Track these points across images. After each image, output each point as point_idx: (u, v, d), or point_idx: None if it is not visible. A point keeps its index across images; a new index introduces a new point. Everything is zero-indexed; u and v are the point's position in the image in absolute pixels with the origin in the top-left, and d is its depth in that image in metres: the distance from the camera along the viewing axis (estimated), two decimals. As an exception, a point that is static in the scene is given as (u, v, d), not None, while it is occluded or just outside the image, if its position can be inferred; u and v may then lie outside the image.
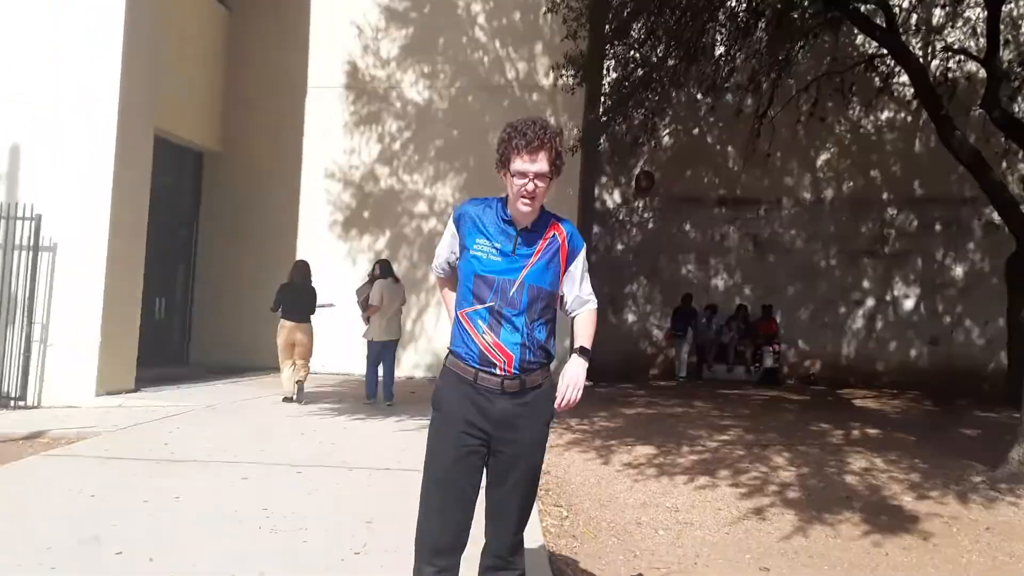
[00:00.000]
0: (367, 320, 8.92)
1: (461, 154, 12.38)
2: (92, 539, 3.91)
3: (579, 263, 2.63)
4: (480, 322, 2.49)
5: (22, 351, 8.58)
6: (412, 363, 12.26)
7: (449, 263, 2.71)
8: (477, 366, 2.49)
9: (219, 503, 4.66)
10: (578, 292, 2.65)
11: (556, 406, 2.56)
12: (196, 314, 12.90)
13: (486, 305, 2.48)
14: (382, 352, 8.89)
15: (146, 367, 9.90)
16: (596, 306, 2.71)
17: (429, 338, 12.24)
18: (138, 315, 9.58)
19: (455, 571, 2.52)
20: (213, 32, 12.46)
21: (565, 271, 2.60)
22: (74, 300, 8.69)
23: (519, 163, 2.45)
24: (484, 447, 2.50)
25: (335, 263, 12.13)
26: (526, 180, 2.44)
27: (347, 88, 12.71)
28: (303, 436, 6.89)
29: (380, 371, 8.96)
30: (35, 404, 8.56)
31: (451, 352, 2.58)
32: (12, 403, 8.48)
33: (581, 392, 2.54)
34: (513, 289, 2.48)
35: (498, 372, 2.47)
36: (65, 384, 8.62)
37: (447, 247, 2.67)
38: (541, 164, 2.45)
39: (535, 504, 3.80)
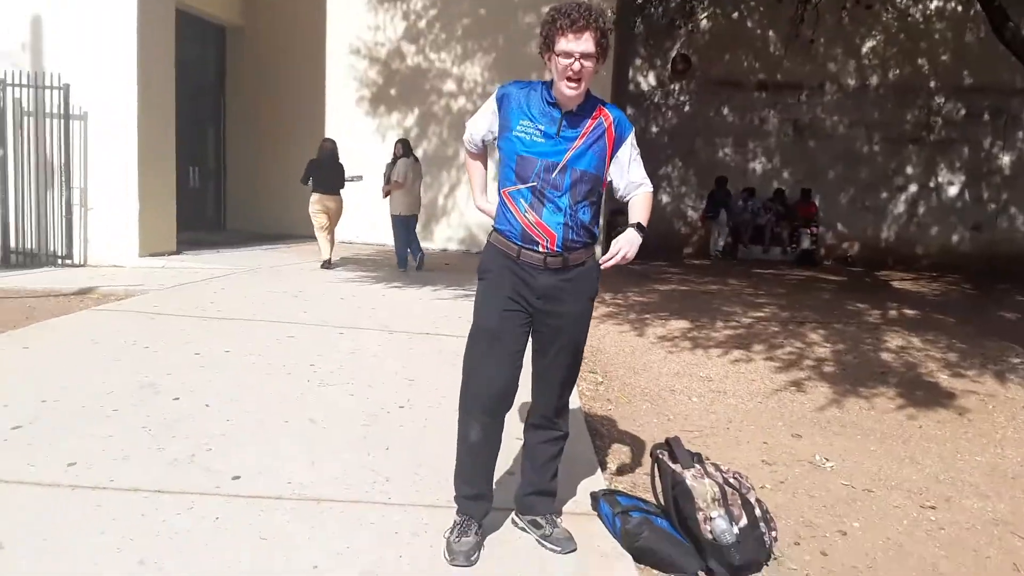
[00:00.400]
0: (386, 195, 9.21)
1: (489, 33, 11.95)
2: (150, 385, 4.09)
3: (627, 148, 2.58)
4: (522, 201, 2.48)
5: (63, 214, 8.80)
6: (446, 236, 12.35)
7: (484, 140, 2.69)
8: (520, 243, 2.50)
9: (268, 357, 4.82)
10: (629, 177, 2.60)
11: (602, 262, 2.53)
12: (230, 183, 13.13)
13: (528, 185, 2.46)
14: (408, 224, 9.29)
15: (185, 232, 10.15)
16: (651, 189, 2.67)
17: (461, 212, 12.24)
18: (173, 180, 9.70)
19: (500, 427, 2.60)
20: None
21: (612, 157, 2.56)
22: (109, 165, 8.84)
23: (564, 43, 2.38)
24: (528, 316, 2.54)
25: (364, 138, 12.08)
26: (572, 60, 2.37)
27: None
28: (343, 300, 7.03)
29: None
30: (82, 263, 8.87)
31: (495, 229, 2.59)
32: (59, 261, 8.79)
33: (632, 254, 2.51)
34: (556, 171, 2.45)
35: (540, 249, 2.48)
36: (109, 245, 8.90)
37: (485, 124, 2.64)
38: (587, 44, 2.38)
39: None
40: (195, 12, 11.38)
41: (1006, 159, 13.71)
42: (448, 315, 6.44)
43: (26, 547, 2.46)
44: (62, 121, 8.67)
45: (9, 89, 8.58)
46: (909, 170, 14.06)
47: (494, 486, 2.69)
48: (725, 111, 14.34)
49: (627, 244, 2.49)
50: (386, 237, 10.97)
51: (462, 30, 12.16)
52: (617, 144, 2.56)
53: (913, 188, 14.08)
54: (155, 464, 3.15)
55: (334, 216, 9.13)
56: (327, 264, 9.06)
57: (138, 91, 8.78)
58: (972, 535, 3.06)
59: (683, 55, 14.11)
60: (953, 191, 13.97)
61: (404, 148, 9.24)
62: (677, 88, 14.42)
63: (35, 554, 2.43)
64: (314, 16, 12.30)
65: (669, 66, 14.25)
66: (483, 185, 2.86)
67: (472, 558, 2.50)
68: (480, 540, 2.58)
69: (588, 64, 2.39)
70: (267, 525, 2.69)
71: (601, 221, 2.65)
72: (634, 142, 2.62)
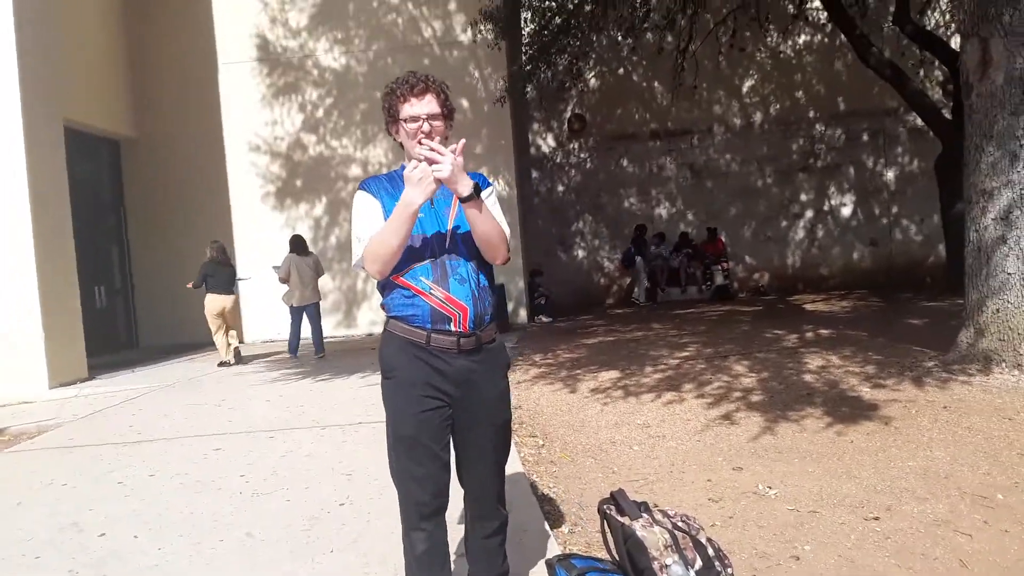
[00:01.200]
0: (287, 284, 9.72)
1: (389, 115, 12.15)
2: (72, 525, 3.85)
3: (485, 195, 2.38)
4: (423, 279, 2.34)
5: (-36, 350, 8.34)
6: (369, 320, 12.26)
7: None
8: (429, 327, 2.34)
9: (195, 475, 4.62)
10: None
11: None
12: (139, 298, 12.80)
13: (425, 261, 2.35)
14: (302, 314, 9.78)
15: (97, 355, 9.85)
16: (507, 231, 2.44)
17: (379, 296, 12.18)
18: (78, 305, 9.39)
19: (443, 528, 2.45)
20: (110, 19, 12.12)
21: None
22: (7, 296, 8.49)
23: (408, 108, 2.34)
24: (447, 407, 2.39)
25: (273, 232, 12.05)
26: (420, 123, 2.33)
27: (260, 61, 12.34)
28: (268, 402, 6.84)
29: (308, 331, 9.80)
30: (-13, 403, 8.34)
31: (392, 318, 2.42)
32: (-37, 404, 8.26)
33: (446, 172, 2.20)
34: (448, 240, 2.37)
35: (453, 329, 2.34)
36: (15, 380, 8.44)
37: (371, 217, 2.38)
38: (431, 105, 2.35)
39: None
40: (85, 129, 11.23)
41: (890, 175, 14.61)
42: (378, 401, 6.30)
43: None
44: (-47, 252, 8.30)
45: None
46: (803, 197, 14.83)
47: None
48: (624, 163, 14.93)
49: (457, 166, 2.24)
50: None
51: (360, 115, 12.32)
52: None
53: (809, 213, 14.84)
54: (84, 609, 2.95)
55: (229, 316, 9.60)
56: (225, 364, 9.40)
57: (31, 216, 8.51)
58: (917, 539, 3.14)
59: (577, 115, 14.70)
60: (847, 211, 14.76)
61: (291, 244, 9.85)
62: (576, 146, 14.97)
63: None
64: (209, 119, 12.25)
65: (565, 126, 14.81)
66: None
67: None
68: None
69: (437, 124, 2.35)
70: (212, 654, 2.54)
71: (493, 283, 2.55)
72: (495, 193, 2.50)
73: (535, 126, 14.91)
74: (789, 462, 4.21)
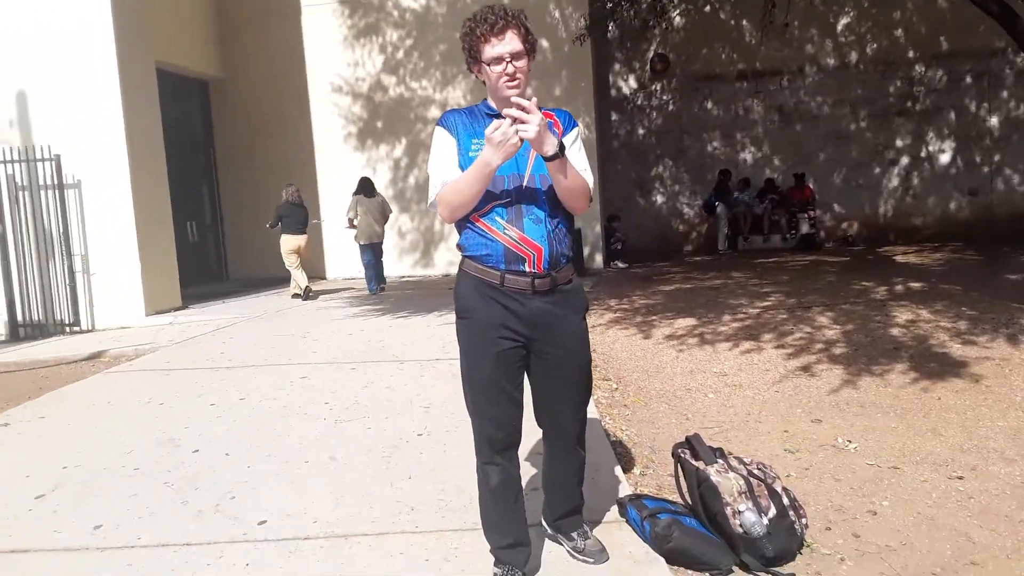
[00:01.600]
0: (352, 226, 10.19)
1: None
2: (169, 441, 4.11)
3: (570, 139, 2.41)
4: (498, 219, 2.32)
5: (67, 282, 8.87)
6: (447, 260, 12.40)
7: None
8: (503, 268, 2.33)
9: (282, 401, 4.84)
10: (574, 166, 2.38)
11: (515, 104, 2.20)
12: (228, 233, 13.19)
13: (501, 202, 2.32)
14: (366, 252, 10.19)
15: (189, 286, 10.29)
16: (591, 180, 2.43)
17: (458, 235, 12.28)
18: (172, 237, 9.82)
19: (516, 463, 2.49)
20: None
21: None
22: (107, 230, 8.94)
23: (490, 49, 2.27)
24: (521, 348, 2.39)
25: (356, 173, 12.15)
26: (504, 64, 2.27)
27: (341, 3, 12.39)
28: (351, 336, 7.05)
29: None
30: (89, 328, 8.93)
31: (467, 257, 2.42)
32: (67, 329, 8.84)
33: (532, 132, 2.15)
34: (525, 181, 2.33)
35: (527, 270, 2.32)
36: (115, 307, 8.95)
37: (449, 157, 2.37)
38: (513, 43, 2.27)
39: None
40: (176, 70, 11.53)
41: (994, 120, 13.71)
42: (455, 339, 6.43)
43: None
44: (56, 192, 8.78)
45: (2, 166, 8.70)
46: (899, 143, 14.06)
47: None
48: (709, 105, 14.38)
49: (543, 126, 2.19)
50: (384, 270, 11.17)
51: (440, 56, 12.29)
52: (563, 136, 2.38)
53: (905, 160, 14.08)
54: (181, 518, 3.16)
55: (304, 253, 10.18)
56: (297, 296, 9.95)
57: (128, 154, 8.89)
58: (1002, 501, 3.04)
59: (660, 55, 14.19)
60: (945, 159, 13.96)
61: (360, 185, 10.24)
62: (659, 88, 14.49)
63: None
64: (293, 59, 12.44)
65: (648, 67, 14.35)
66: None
67: None
68: None
69: (520, 64, 2.29)
70: (297, 566, 2.70)
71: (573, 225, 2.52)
72: (579, 137, 2.48)
73: (616, 67, 14.45)
74: (871, 417, 4.12)
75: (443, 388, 4.94)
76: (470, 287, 2.40)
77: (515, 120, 2.16)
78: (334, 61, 12.38)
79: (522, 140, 2.18)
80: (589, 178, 2.42)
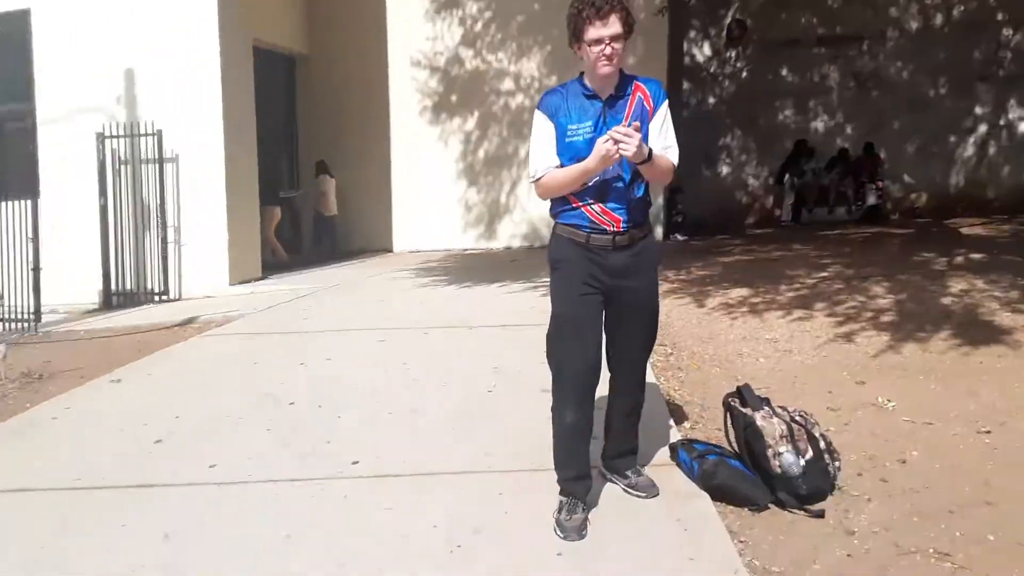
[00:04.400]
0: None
1: (544, 27, 12.16)
2: (266, 395, 4.62)
3: (661, 114, 2.74)
4: (587, 196, 2.70)
5: (160, 252, 9.54)
6: (509, 233, 12.74)
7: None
8: (588, 230, 2.72)
9: (364, 361, 5.32)
10: (662, 141, 2.74)
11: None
12: (303, 208, 13.68)
13: (591, 183, 2.68)
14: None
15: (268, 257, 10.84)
16: (676, 156, 2.77)
17: (523, 208, 12.61)
18: (257, 211, 10.35)
19: (592, 405, 2.85)
20: None
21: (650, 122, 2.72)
22: (200, 203, 9.49)
23: (593, 31, 2.56)
24: (603, 296, 2.77)
25: (429, 146, 12.68)
26: (603, 46, 2.56)
27: None
28: (422, 304, 7.52)
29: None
30: (177, 297, 9.55)
31: (559, 223, 2.81)
32: (157, 298, 9.50)
33: (632, 149, 2.51)
34: (612, 169, 2.66)
35: (609, 230, 2.71)
36: (201, 277, 9.54)
37: (548, 143, 2.73)
38: (614, 27, 2.56)
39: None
40: (267, 47, 11.88)
41: (1079, 88, 13.20)
42: (520, 308, 6.83)
43: (187, 537, 2.91)
44: (157, 166, 9.37)
45: (107, 141, 9.38)
46: (978, 110, 13.61)
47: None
48: (784, 72, 14.10)
49: (638, 139, 2.52)
50: (449, 243, 11.98)
51: (516, 28, 12.46)
52: (654, 112, 2.74)
53: (982, 128, 13.67)
54: (284, 459, 3.63)
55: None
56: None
57: (224, 130, 9.38)
58: (1022, 453, 3.28)
59: (738, 20, 13.88)
60: (1024, 127, 13.54)
61: (322, 166, 12.20)
62: (733, 55, 14.22)
63: (196, 539, 2.90)
64: (375, 34, 12.69)
65: (724, 33, 14.10)
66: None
67: (583, 533, 2.71)
68: (587, 516, 2.79)
69: (618, 46, 2.58)
70: (388, 497, 3.14)
71: (651, 190, 2.86)
72: (667, 109, 2.77)
73: (691, 33, 14.25)
74: (913, 379, 4.35)
75: (510, 351, 5.34)
76: (562, 244, 2.81)
77: (617, 141, 2.51)
78: (415, 35, 12.61)
79: (621, 156, 2.54)
80: (674, 154, 2.79)
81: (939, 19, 13.53)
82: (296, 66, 13.35)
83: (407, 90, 12.83)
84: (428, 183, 12.70)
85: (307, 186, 12.68)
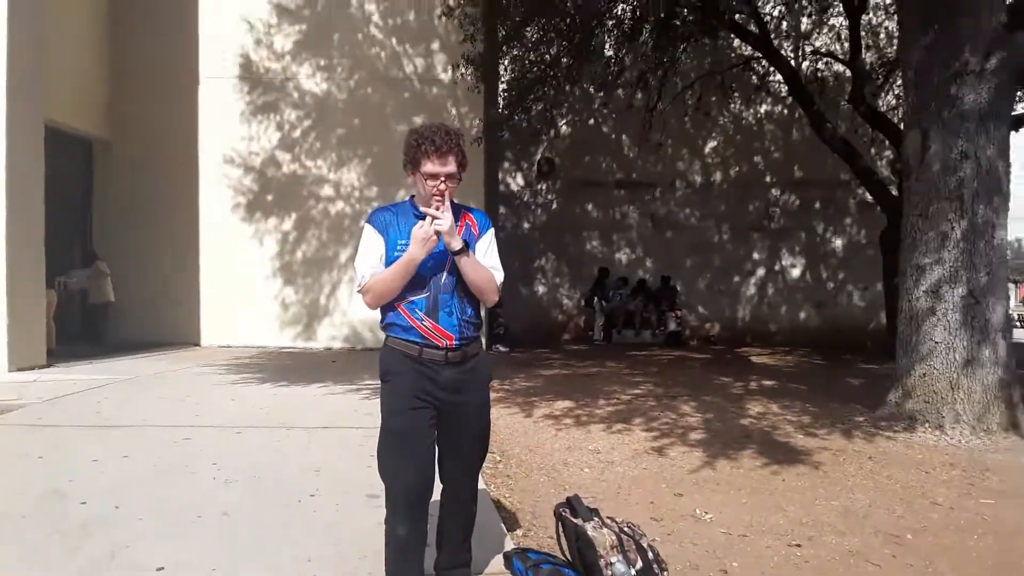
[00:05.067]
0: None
1: (364, 142, 12.45)
2: (53, 492, 4.04)
3: (486, 239, 2.84)
4: (418, 311, 2.71)
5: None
6: (329, 335, 12.48)
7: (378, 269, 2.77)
8: (421, 343, 2.71)
9: (168, 460, 4.83)
10: (487, 262, 2.81)
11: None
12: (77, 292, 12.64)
13: (422, 296, 2.70)
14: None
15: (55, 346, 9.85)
16: (501, 277, 2.85)
17: (343, 311, 12.42)
18: (43, 294, 9.52)
19: (426, 519, 2.78)
20: (96, 25, 12.25)
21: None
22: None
23: (431, 166, 2.64)
24: (435, 410, 2.74)
25: (243, 242, 12.33)
26: (438, 181, 2.65)
27: (241, 79, 12.50)
28: (234, 401, 7.03)
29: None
30: (-54, 382, 8.32)
31: (391, 336, 2.78)
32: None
33: (446, 226, 2.61)
34: (443, 279, 2.72)
35: (441, 346, 2.71)
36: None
37: (374, 253, 2.75)
38: (450, 166, 2.66)
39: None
40: (62, 127, 11.18)
41: (838, 242, 15.48)
42: (343, 410, 6.58)
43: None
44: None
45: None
46: (756, 255, 15.62)
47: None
48: (589, 207, 15.58)
49: (450, 216, 2.63)
50: (264, 340, 11.35)
51: (336, 140, 12.59)
52: (479, 235, 2.85)
53: (761, 272, 15.62)
54: (75, 564, 3.16)
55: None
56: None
57: (6, 205, 8.60)
58: (833, 566, 3.53)
59: (547, 158, 15.39)
60: (796, 273, 15.56)
61: (93, 255, 11.86)
62: (544, 187, 15.57)
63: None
64: (185, 128, 12.30)
65: (535, 168, 15.43)
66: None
67: None
68: None
69: (452, 183, 2.67)
70: (198, 611, 2.79)
71: (482, 312, 2.93)
72: (493, 236, 2.89)
73: (505, 164, 15.46)
74: (725, 493, 4.60)
75: (331, 454, 5.07)
76: (393, 355, 2.77)
77: (433, 219, 2.59)
78: (229, 133, 12.36)
79: (438, 236, 2.60)
80: (499, 275, 2.86)
81: (718, 176, 15.61)
82: (95, 150, 12.66)
83: (219, 185, 12.44)
84: (241, 278, 12.23)
85: (80, 273, 11.96)
